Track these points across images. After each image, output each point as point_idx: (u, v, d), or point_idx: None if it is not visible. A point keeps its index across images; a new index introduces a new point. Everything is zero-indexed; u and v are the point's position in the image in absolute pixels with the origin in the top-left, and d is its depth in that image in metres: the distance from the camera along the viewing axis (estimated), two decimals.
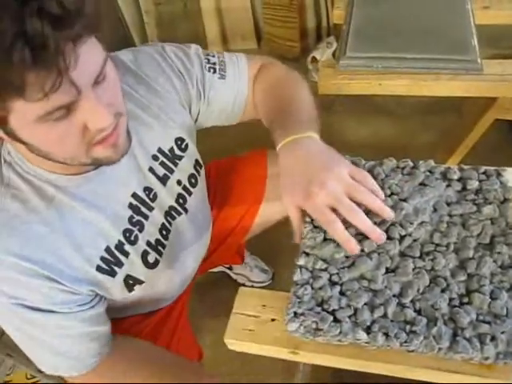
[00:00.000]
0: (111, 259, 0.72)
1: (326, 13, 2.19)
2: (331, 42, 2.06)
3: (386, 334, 0.56)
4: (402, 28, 1.03)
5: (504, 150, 1.59)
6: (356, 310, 0.58)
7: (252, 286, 1.44)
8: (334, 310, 0.58)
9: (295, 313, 0.58)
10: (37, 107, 0.51)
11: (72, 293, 0.68)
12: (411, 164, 0.72)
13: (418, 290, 0.59)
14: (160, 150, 0.79)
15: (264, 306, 0.65)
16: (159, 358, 0.81)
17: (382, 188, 0.68)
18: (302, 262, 0.63)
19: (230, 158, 1.14)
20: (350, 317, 0.57)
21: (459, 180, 0.70)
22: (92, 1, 0.51)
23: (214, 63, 0.83)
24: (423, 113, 1.85)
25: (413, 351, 0.56)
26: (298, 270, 0.62)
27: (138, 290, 0.79)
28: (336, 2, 1.24)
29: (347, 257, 0.63)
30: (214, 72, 0.83)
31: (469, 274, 0.60)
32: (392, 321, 0.57)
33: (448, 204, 0.67)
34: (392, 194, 0.68)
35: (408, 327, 0.56)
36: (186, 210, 0.85)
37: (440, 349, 0.55)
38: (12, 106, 0.50)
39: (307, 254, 0.64)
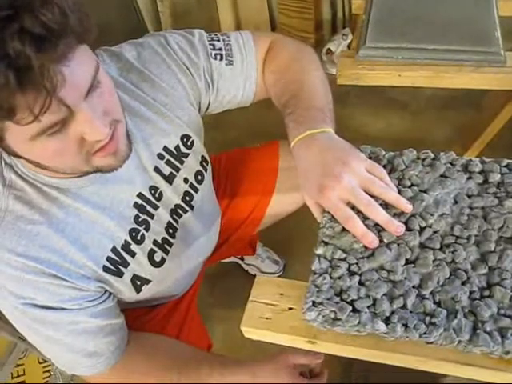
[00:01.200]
0: (117, 259, 0.72)
1: (341, 4, 2.17)
2: (347, 34, 2.04)
3: (405, 325, 0.55)
4: (423, 18, 1.01)
5: None
6: (375, 300, 0.57)
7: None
8: (352, 300, 0.57)
9: (313, 302, 0.58)
10: (29, 127, 0.50)
11: (80, 289, 0.68)
12: (432, 155, 0.71)
13: (438, 282, 0.58)
14: (166, 149, 0.77)
15: (281, 294, 0.64)
16: (178, 351, 0.81)
17: (402, 179, 0.68)
18: (320, 251, 0.62)
19: (241, 149, 1.13)
20: (368, 307, 0.57)
21: (481, 173, 0.68)
22: (77, 13, 0.50)
23: (220, 48, 0.80)
24: (439, 107, 1.83)
25: (432, 343, 0.55)
26: (317, 259, 0.62)
27: (146, 290, 0.79)
28: None
29: (366, 247, 0.62)
30: (221, 59, 0.80)
31: (490, 268, 0.59)
32: (411, 312, 0.56)
33: (469, 196, 0.66)
34: (412, 185, 0.67)
35: (427, 319, 0.55)
36: (192, 207, 0.84)
37: (460, 341, 0.54)
38: (6, 125, 0.50)
39: (326, 244, 0.63)
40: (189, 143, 0.80)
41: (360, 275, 0.60)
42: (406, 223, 0.63)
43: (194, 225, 0.86)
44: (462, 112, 1.75)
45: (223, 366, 0.78)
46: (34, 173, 0.64)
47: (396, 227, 0.60)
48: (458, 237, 0.62)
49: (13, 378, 1.31)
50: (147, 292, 0.79)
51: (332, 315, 0.57)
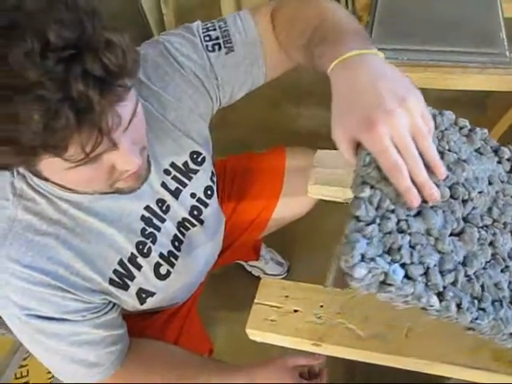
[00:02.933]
0: (124, 272, 0.72)
1: (345, 4, 2.16)
2: None
3: (459, 306, 0.47)
4: (428, 20, 1.01)
5: None
6: (428, 269, 0.47)
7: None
8: (405, 264, 0.46)
9: (363, 256, 0.44)
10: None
11: (85, 302, 0.67)
12: (469, 126, 0.63)
13: (481, 264, 0.51)
14: (173, 165, 0.76)
15: (287, 296, 0.64)
16: (176, 359, 0.81)
17: (441, 140, 0.58)
18: (365, 193, 0.47)
19: (247, 154, 1.12)
20: (421, 276, 0.47)
21: (509, 160, 0.63)
22: (132, 53, 0.49)
23: (217, 37, 0.73)
24: (444, 108, 1.81)
25: (474, 331, 0.49)
26: (362, 203, 0.47)
27: (150, 302, 0.79)
28: None
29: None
30: (220, 49, 0.73)
31: None
32: (461, 291, 0.48)
33: (501, 182, 0.60)
34: (450, 150, 0.58)
35: (476, 302, 0.48)
36: (201, 222, 0.83)
37: (504, 334, 0.49)
38: (49, 159, 0.49)
39: (372, 187, 0.48)
40: (199, 159, 0.79)
41: (410, 235, 0.48)
42: (450, 188, 0.53)
43: (200, 237, 0.85)
44: (467, 113, 1.73)
45: (221, 371, 0.78)
46: (47, 185, 0.63)
47: (432, 192, 0.48)
48: (495, 220, 0.56)
49: (16, 378, 1.31)
50: (150, 303, 0.79)
51: (382, 277, 0.44)
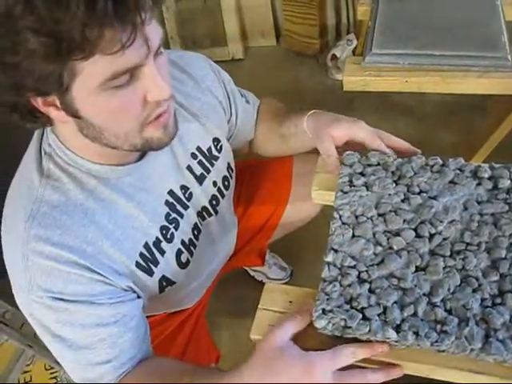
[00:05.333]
0: (149, 256, 0.72)
1: (346, 10, 2.17)
2: (351, 40, 2.04)
3: (417, 333, 0.55)
4: (429, 24, 1.01)
5: None
6: (386, 308, 0.57)
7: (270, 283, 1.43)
8: (363, 308, 0.57)
9: (323, 310, 0.57)
10: (105, 67, 0.51)
11: (111, 285, 0.66)
12: (440, 162, 0.71)
13: (449, 290, 0.58)
14: (199, 149, 0.79)
15: (290, 302, 0.64)
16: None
17: (411, 186, 0.68)
18: (330, 258, 0.62)
19: (255, 159, 1.13)
20: (379, 315, 0.57)
21: (490, 178, 0.68)
22: None
23: (238, 88, 0.91)
24: (445, 111, 1.82)
25: (443, 351, 0.55)
26: (326, 266, 0.61)
27: (168, 292, 0.79)
28: None
29: (376, 254, 0.62)
30: (241, 95, 0.91)
31: (501, 275, 0.59)
32: (422, 320, 0.56)
33: (479, 203, 0.66)
34: (421, 191, 0.67)
35: (439, 327, 0.55)
36: (216, 212, 0.85)
37: (472, 350, 0.53)
38: (81, 67, 0.50)
39: (336, 251, 0.63)
40: (219, 147, 0.83)
41: (370, 283, 0.60)
42: (415, 230, 0.63)
43: (215, 229, 0.87)
44: (468, 116, 1.75)
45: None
46: (74, 158, 0.64)
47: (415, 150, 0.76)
48: (468, 243, 0.62)
49: None
50: (169, 293, 0.79)
51: (342, 323, 0.56)
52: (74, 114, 0.56)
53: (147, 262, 0.72)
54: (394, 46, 0.98)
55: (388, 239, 0.63)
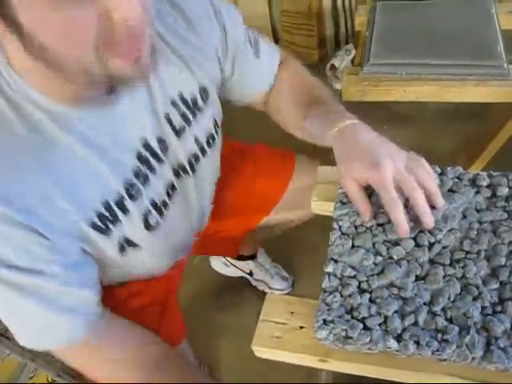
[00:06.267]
0: (108, 215, 0.62)
1: (344, 20, 2.19)
2: (350, 50, 2.05)
3: (418, 343, 0.55)
4: (425, 34, 1.02)
5: None
6: (386, 317, 0.57)
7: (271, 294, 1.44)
8: (363, 318, 0.57)
9: (324, 320, 0.58)
10: None
11: (60, 251, 0.58)
12: (439, 170, 0.71)
13: (449, 298, 0.58)
14: (181, 97, 0.69)
15: (292, 312, 0.64)
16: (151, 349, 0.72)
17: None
18: (330, 269, 0.62)
19: (258, 145, 1.08)
20: (380, 325, 0.57)
21: (488, 186, 0.69)
22: None
23: (250, 37, 0.81)
24: (444, 119, 1.83)
25: (445, 360, 0.55)
26: (327, 277, 0.62)
27: (131, 253, 0.70)
28: (358, 9, 1.24)
29: (376, 264, 0.62)
30: (251, 45, 0.80)
31: (501, 282, 0.59)
32: (423, 329, 0.56)
33: (477, 211, 0.66)
34: None
35: (440, 336, 0.55)
36: (194, 171, 0.75)
37: (473, 358, 0.53)
38: None
39: (336, 261, 0.63)
40: (205, 98, 0.73)
41: (370, 292, 0.60)
42: (414, 239, 0.64)
43: (191, 191, 0.76)
44: (467, 124, 1.75)
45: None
46: (29, 93, 0.53)
47: (430, 218, 0.62)
48: (467, 252, 0.62)
49: None
50: (131, 256, 0.70)
51: (343, 333, 0.56)
52: (14, 27, 0.45)
53: (105, 222, 0.62)
54: (391, 55, 1.00)
55: (388, 249, 0.63)
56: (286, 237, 1.57)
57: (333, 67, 2.07)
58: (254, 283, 1.50)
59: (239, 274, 1.51)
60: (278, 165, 1.03)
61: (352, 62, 2.04)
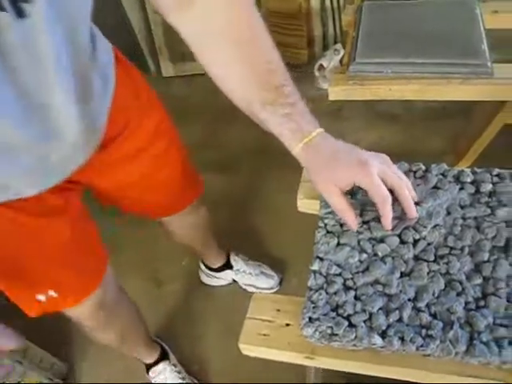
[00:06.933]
0: None
1: (332, 20, 2.20)
2: (338, 49, 2.06)
3: (402, 339, 0.55)
4: (411, 33, 1.03)
5: None
6: (371, 314, 0.58)
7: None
8: (348, 315, 0.58)
9: (310, 318, 0.58)
10: None
11: None
12: (423, 167, 0.72)
13: (434, 294, 0.59)
14: None
15: (278, 310, 0.64)
16: None
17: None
18: (315, 267, 0.63)
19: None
20: (365, 321, 0.57)
21: (472, 183, 0.69)
22: None
23: None
24: (431, 118, 1.85)
25: (429, 355, 0.56)
26: (312, 275, 0.62)
27: None
28: (346, 9, 1.25)
29: (361, 261, 0.63)
30: None
31: (484, 277, 0.59)
32: (407, 325, 0.57)
33: (462, 207, 0.67)
34: None
35: (424, 331, 0.56)
36: (21, 14, 0.47)
37: (457, 353, 0.54)
38: None
39: (321, 259, 0.63)
40: None
41: (355, 290, 0.60)
42: (399, 236, 0.64)
43: (16, 50, 0.50)
44: (454, 123, 1.77)
45: None
46: None
47: (414, 211, 0.63)
48: (451, 248, 0.63)
49: None
50: None
51: (329, 331, 0.57)
52: None
53: None
54: (377, 55, 1.00)
55: (373, 246, 0.63)
56: (278, 236, 1.58)
57: (321, 67, 2.08)
58: (243, 287, 1.50)
59: (226, 282, 1.51)
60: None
61: (341, 61, 2.05)
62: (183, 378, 1.30)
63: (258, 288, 1.47)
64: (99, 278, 0.89)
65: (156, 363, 1.31)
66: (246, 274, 1.47)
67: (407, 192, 0.61)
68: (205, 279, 1.54)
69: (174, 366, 1.32)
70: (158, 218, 1.12)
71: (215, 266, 1.49)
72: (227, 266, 1.49)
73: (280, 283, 1.49)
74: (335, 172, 0.60)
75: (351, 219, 0.63)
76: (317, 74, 2.10)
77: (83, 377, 1.40)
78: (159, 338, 1.37)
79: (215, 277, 1.51)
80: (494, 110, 1.28)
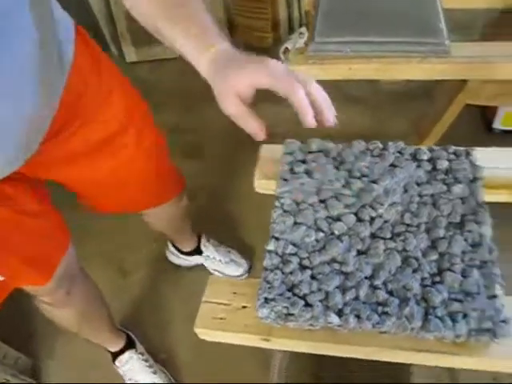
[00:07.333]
0: None
1: (297, 3, 2.18)
2: (303, 33, 2.04)
3: (358, 316, 0.55)
4: (370, 12, 1.02)
5: (476, 137, 1.61)
6: (327, 293, 0.57)
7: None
8: (305, 295, 0.57)
9: (266, 298, 0.57)
10: None
11: None
12: (380, 146, 0.71)
13: (390, 272, 0.58)
14: None
15: (235, 293, 0.63)
16: None
17: (352, 170, 0.68)
18: (271, 246, 0.62)
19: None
20: (321, 301, 0.57)
21: (429, 160, 0.69)
22: None
23: None
24: (397, 100, 1.85)
25: (385, 332, 0.56)
26: (268, 255, 0.61)
27: None
28: None
29: (317, 240, 0.62)
30: None
31: (440, 254, 0.60)
32: (364, 303, 0.56)
33: (418, 184, 0.67)
34: (362, 176, 0.68)
35: (380, 308, 0.55)
36: None
37: (412, 329, 0.54)
38: None
39: (277, 239, 0.62)
40: None
41: (312, 269, 0.59)
42: (356, 214, 0.64)
43: None
44: (419, 104, 1.78)
45: None
46: None
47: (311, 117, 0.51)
48: (408, 225, 0.63)
49: None
50: None
51: (284, 311, 0.56)
52: None
53: None
54: (336, 34, 0.99)
55: (329, 225, 0.63)
56: (249, 221, 1.57)
57: (287, 50, 2.06)
58: (211, 271, 1.48)
59: (194, 263, 1.49)
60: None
61: (306, 44, 2.03)
62: (151, 367, 1.28)
63: (226, 275, 1.45)
64: (53, 266, 0.86)
65: (122, 352, 1.28)
66: (215, 261, 1.45)
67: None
68: (172, 258, 1.51)
69: (141, 354, 1.30)
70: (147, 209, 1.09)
71: (185, 250, 1.46)
72: (197, 251, 1.46)
73: (249, 270, 1.47)
74: (234, 79, 0.52)
75: (253, 126, 0.53)
76: (282, 57, 2.08)
77: (49, 372, 1.37)
78: (126, 328, 1.34)
79: (183, 259, 1.49)
80: (455, 90, 1.28)
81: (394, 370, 1.14)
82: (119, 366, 1.28)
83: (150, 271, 1.54)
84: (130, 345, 1.30)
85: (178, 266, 1.51)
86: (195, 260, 1.48)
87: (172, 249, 1.49)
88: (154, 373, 1.27)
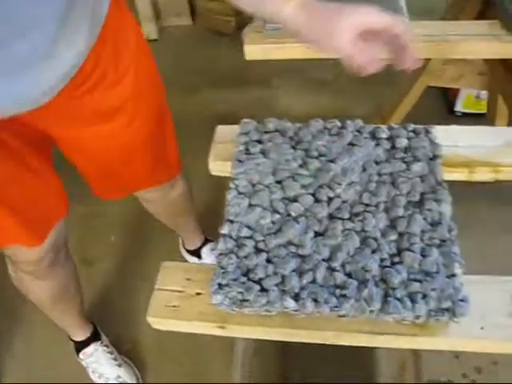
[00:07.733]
0: None
1: None
2: None
3: (316, 300, 0.53)
4: None
5: (438, 119, 1.61)
6: (283, 277, 0.55)
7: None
8: (260, 279, 0.55)
9: (219, 284, 0.54)
10: None
11: None
12: (339, 124, 0.69)
13: (348, 253, 0.57)
14: None
15: (188, 279, 0.60)
16: None
17: (309, 150, 0.66)
18: (225, 230, 0.59)
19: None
20: (277, 285, 0.54)
21: (388, 139, 0.68)
22: None
23: None
24: (361, 83, 1.84)
25: (344, 316, 0.54)
26: (222, 239, 0.58)
27: None
28: None
29: (273, 222, 0.59)
30: None
31: (399, 233, 0.58)
32: (322, 286, 0.54)
33: (377, 163, 0.65)
34: (320, 155, 0.65)
35: (338, 291, 0.53)
36: None
37: (371, 311, 0.52)
38: None
39: (231, 222, 0.60)
40: None
41: (267, 252, 0.57)
42: (313, 194, 0.61)
43: None
44: (382, 86, 1.78)
45: None
46: None
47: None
48: (367, 204, 0.61)
49: None
50: None
51: (239, 296, 0.54)
52: None
53: None
54: None
55: (286, 206, 0.60)
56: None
57: None
58: (188, 258, 1.42)
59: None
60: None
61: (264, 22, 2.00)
62: (115, 359, 1.25)
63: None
64: (47, 230, 0.84)
65: (87, 344, 1.24)
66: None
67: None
68: (182, 252, 1.47)
69: (107, 346, 1.26)
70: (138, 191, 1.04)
71: (187, 248, 1.42)
72: (197, 254, 1.40)
73: None
74: (349, 17, 0.56)
75: (367, 59, 0.58)
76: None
77: (7, 371, 1.32)
78: (90, 319, 1.30)
79: (186, 255, 1.44)
80: (417, 72, 1.28)
81: (359, 360, 1.14)
82: (83, 359, 1.25)
83: (113, 261, 1.50)
84: (95, 336, 1.26)
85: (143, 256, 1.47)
86: (192, 261, 1.43)
87: (180, 241, 1.45)
88: (119, 365, 1.24)
